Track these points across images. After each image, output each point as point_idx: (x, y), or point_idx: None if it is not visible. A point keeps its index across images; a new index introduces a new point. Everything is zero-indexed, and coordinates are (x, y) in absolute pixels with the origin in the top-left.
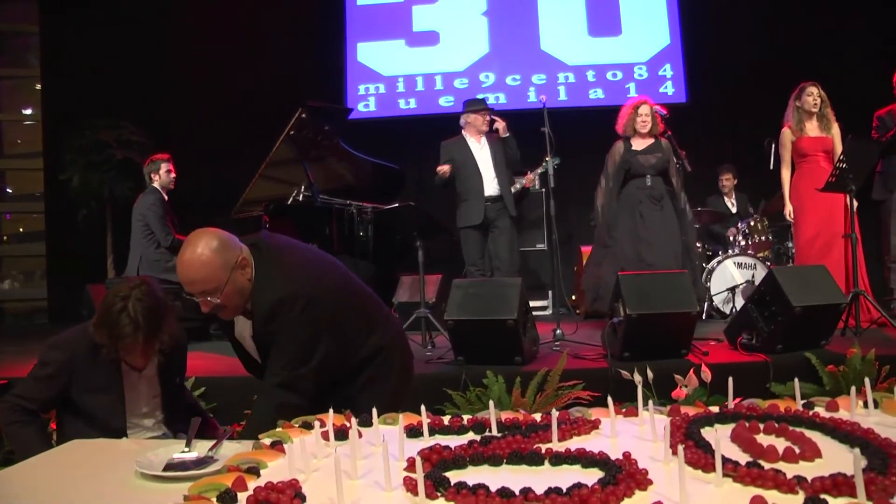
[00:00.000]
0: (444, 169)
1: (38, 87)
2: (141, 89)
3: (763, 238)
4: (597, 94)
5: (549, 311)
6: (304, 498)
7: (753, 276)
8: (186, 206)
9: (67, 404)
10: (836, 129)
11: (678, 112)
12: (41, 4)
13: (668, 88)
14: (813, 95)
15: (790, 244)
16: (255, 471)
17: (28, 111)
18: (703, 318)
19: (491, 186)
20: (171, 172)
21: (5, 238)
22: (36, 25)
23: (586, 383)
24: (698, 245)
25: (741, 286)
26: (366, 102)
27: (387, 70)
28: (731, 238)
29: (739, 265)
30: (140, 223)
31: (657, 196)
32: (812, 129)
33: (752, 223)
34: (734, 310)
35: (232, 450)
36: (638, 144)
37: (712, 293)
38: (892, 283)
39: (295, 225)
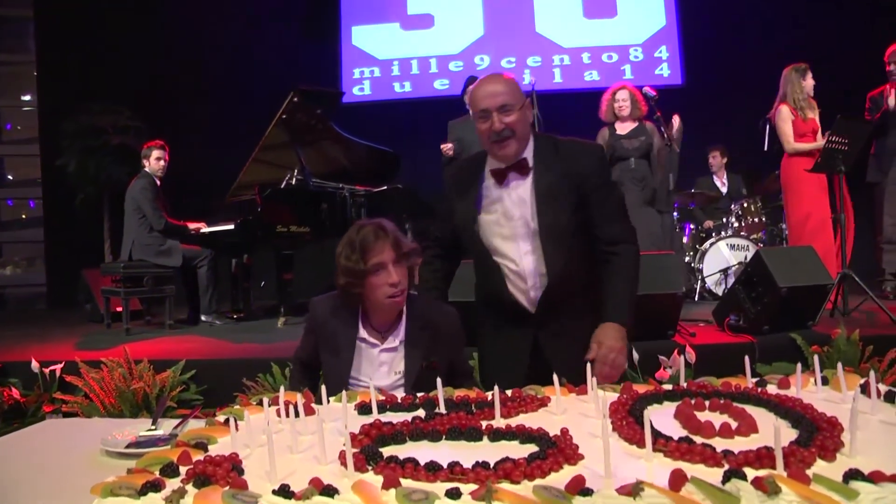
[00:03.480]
0: (446, 147)
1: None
2: (137, 75)
3: (757, 219)
4: (592, 77)
5: None
6: (241, 471)
7: (746, 258)
8: (182, 190)
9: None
10: (816, 112)
11: (674, 94)
12: None
13: (664, 70)
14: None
15: (784, 225)
16: (202, 446)
17: (27, 97)
18: (696, 299)
19: None
20: (161, 160)
21: None
22: (30, 10)
23: None
24: (693, 226)
25: (733, 268)
26: (361, 86)
27: (382, 53)
28: (724, 219)
29: (732, 247)
30: (132, 207)
31: (639, 178)
32: (810, 110)
33: (745, 204)
34: (726, 291)
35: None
36: (622, 129)
37: (705, 275)
38: (884, 264)
39: (289, 208)
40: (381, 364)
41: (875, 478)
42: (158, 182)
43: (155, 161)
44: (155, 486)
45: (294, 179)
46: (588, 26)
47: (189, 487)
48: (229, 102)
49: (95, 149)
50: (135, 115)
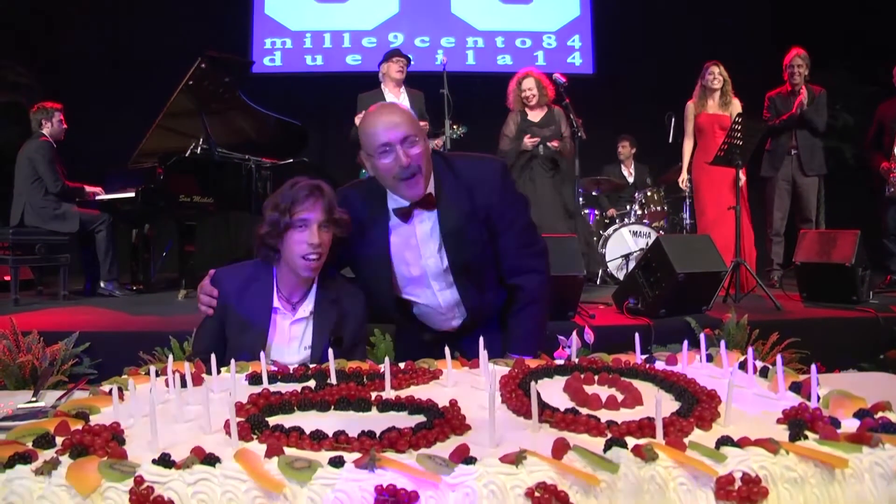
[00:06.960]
0: (359, 118)
1: None
2: (32, 29)
3: (659, 208)
4: (505, 61)
5: None
6: (122, 441)
7: (647, 244)
8: (78, 155)
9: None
10: (735, 108)
11: (584, 83)
12: None
13: (576, 59)
14: (714, 74)
15: (684, 215)
16: (84, 416)
17: None
18: (598, 283)
19: None
20: (62, 123)
21: None
22: None
23: None
24: (597, 212)
25: (634, 253)
26: (272, 57)
27: (295, 25)
28: (628, 207)
29: (635, 233)
30: (27, 169)
31: (549, 165)
32: (713, 105)
33: (648, 193)
34: (626, 275)
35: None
36: (533, 116)
37: (607, 259)
38: (773, 255)
39: (193, 178)
40: (291, 339)
41: (742, 443)
42: (55, 145)
43: (57, 123)
44: (24, 458)
45: (199, 148)
46: (503, 11)
47: (63, 458)
48: (133, 65)
49: None
50: (26, 71)
